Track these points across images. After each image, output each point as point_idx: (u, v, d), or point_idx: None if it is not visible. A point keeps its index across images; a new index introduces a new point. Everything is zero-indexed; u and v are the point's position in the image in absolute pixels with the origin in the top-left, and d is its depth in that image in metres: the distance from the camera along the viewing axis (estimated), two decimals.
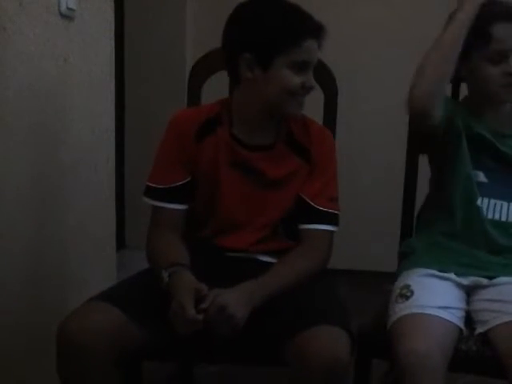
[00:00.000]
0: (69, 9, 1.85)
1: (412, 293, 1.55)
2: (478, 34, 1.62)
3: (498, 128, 1.70)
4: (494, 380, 1.53)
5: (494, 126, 1.70)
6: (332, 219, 1.65)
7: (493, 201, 1.66)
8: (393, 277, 1.71)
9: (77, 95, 1.98)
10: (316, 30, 1.55)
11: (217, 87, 1.90)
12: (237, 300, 1.41)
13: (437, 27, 1.67)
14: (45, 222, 1.84)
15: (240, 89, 1.62)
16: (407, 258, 1.73)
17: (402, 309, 1.52)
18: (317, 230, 1.63)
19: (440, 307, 1.49)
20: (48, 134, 1.83)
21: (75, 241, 2.01)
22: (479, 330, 1.51)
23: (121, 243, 3.27)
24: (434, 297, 1.53)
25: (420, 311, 1.49)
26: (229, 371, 2.17)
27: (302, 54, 1.54)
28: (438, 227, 1.71)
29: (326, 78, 1.85)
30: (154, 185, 1.65)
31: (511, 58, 1.62)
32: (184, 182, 1.63)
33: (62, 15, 1.84)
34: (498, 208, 1.66)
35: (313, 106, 1.78)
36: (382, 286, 1.77)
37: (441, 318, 1.48)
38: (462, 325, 1.51)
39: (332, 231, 1.65)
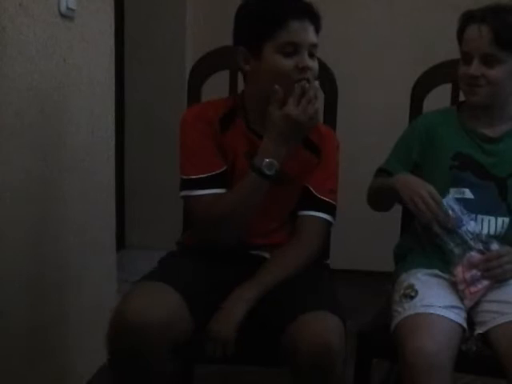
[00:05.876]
0: (69, 9, 1.85)
1: (416, 292, 1.54)
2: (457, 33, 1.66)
3: (490, 132, 1.68)
4: (494, 380, 1.53)
5: (485, 130, 1.68)
6: (330, 210, 1.66)
7: (480, 216, 1.63)
8: (392, 277, 1.71)
9: (77, 95, 1.98)
10: (298, 11, 1.52)
11: (217, 87, 1.90)
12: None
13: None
14: (45, 222, 1.84)
15: (246, 82, 1.64)
16: (405, 259, 1.72)
17: (407, 308, 1.51)
18: (315, 216, 1.64)
19: (445, 307, 1.49)
20: (48, 134, 1.83)
21: (75, 241, 2.01)
22: (479, 330, 1.51)
23: (121, 243, 3.26)
24: (438, 296, 1.52)
25: (426, 311, 1.48)
26: (229, 371, 2.17)
27: (288, 36, 1.51)
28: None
29: (326, 78, 1.85)
30: (194, 176, 1.60)
31: (475, 60, 1.60)
32: (222, 170, 1.61)
33: (62, 15, 1.84)
34: (485, 224, 1.63)
35: None
36: (382, 286, 1.77)
37: (446, 317, 1.48)
38: (465, 325, 1.51)
39: (329, 222, 1.66)
